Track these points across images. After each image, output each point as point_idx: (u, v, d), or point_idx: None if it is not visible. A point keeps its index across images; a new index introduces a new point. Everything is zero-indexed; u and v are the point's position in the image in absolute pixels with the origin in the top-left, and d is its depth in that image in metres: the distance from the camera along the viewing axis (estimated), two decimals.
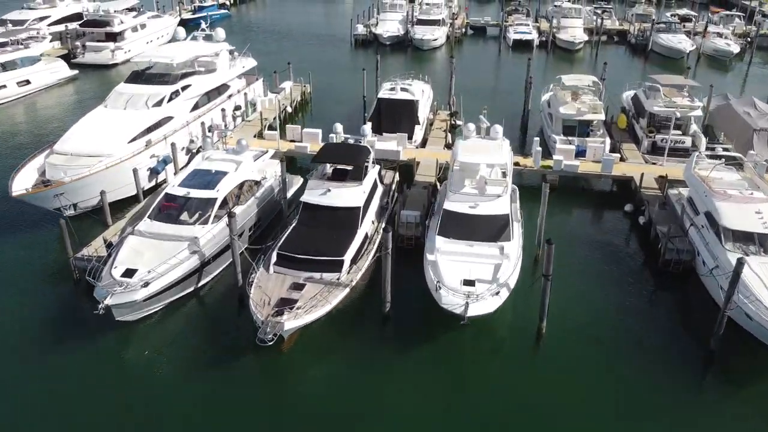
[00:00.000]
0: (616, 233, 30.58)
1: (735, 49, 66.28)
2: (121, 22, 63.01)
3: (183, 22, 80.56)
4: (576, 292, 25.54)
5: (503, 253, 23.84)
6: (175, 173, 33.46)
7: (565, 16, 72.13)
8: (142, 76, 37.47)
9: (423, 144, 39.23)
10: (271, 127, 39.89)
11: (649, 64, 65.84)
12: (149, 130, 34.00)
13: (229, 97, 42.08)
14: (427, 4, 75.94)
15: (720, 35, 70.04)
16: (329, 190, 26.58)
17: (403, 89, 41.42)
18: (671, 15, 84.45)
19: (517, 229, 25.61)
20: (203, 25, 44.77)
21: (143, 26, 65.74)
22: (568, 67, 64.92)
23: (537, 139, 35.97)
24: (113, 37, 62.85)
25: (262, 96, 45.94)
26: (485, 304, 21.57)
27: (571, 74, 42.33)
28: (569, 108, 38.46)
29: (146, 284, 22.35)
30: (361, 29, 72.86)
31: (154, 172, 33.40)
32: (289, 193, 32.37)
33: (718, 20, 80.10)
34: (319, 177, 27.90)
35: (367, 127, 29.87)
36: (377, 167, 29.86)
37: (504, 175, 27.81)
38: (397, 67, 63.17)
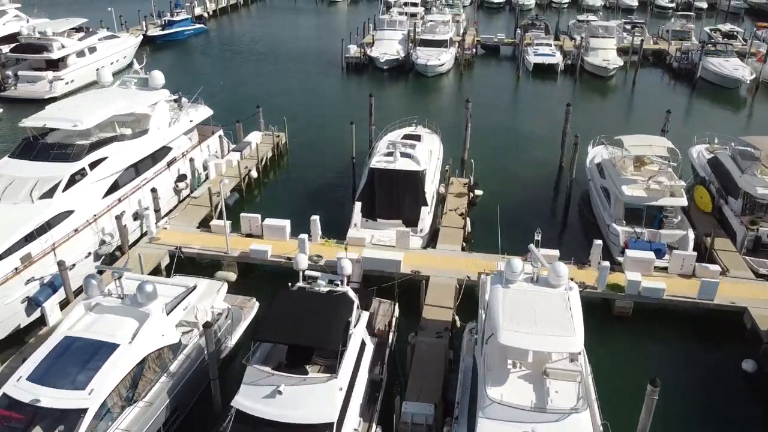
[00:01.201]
0: (741, 420, 19.53)
1: None
2: (63, 46, 51.86)
3: (148, 40, 70.07)
4: None
5: None
6: (64, 306, 22.54)
7: (595, 35, 60.93)
8: (34, 148, 26.40)
9: (433, 237, 28.29)
10: (226, 209, 28.84)
11: (697, 95, 54.81)
12: (30, 237, 22.98)
13: (170, 164, 31.13)
14: (432, 21, 64.72)
15: None
16: (279, 392, 15.60)
17: (404, 154, 30.45)
18: (711, 30, 73.59)
19: None
20: (136, 65, 33.61)
21: (92, 50, 54.62)
22: (600, 98, 54.08)
23: (599, 244, 25.00)
24: (54, 64, 51.84)
25: (219, 157, 35.01)
26: None
27: (634, 134, 31.24)
28: (637, 189, 27.53)
29: None
30: (354, 50, 61.78)
31: (33, 303, 22.38)
32: (236, 336, 21.56)
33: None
34: (263, 360, 16.89)
35: (347, 263, 19.04)
36: (364, 317, 18.90)
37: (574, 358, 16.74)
38: (396, 99, 52.41)
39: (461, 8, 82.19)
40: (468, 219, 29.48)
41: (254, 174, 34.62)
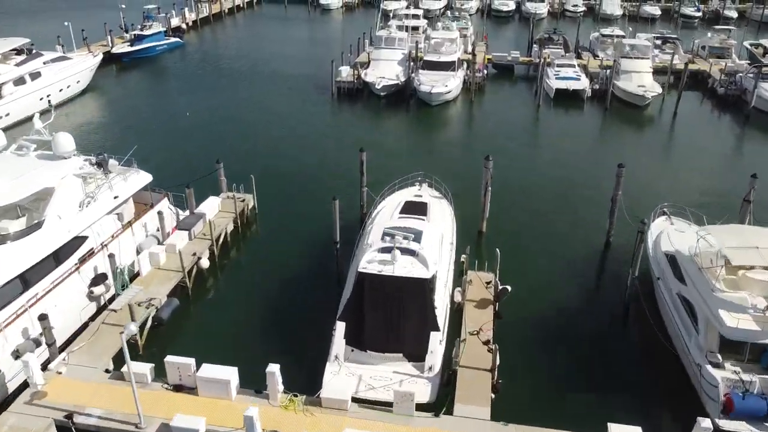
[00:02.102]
0: None
1: None
2: None
3: (114, 58, 61.59)
4: None
5: None
6: None
7: (627, 55, 52.24)
8: None
9: (447, 382, 19.59)
10: (158, 325, 20.13)
11: (753, 130, 46.13)
12: None
13: (83, 261, 22.49)
14: (437, 38, 55.79)
15: None
16: None
17: (405, 251, 21.82)
18: (751, 45, 65.02)
19: None
20: (38, 124, 24.74)
21: (35, 75, 46.13)
22: (638, 136, 45.31)
23: (707, 429, 16.35)
24: None
25: (159, 240, 26.27)
26: None
27: (725, 225, 22.60)
28: (743, 318, 18.91)
29: None
30: (346, 73, 53.08)
31: None
32: None
33: None
34: None
35: None
36: None
37: None
38: (395, 136, 43.96)
39: (468, 19, 73.63)
40: (496, 346, 20.69)
41: (205, 263, 25.85)
